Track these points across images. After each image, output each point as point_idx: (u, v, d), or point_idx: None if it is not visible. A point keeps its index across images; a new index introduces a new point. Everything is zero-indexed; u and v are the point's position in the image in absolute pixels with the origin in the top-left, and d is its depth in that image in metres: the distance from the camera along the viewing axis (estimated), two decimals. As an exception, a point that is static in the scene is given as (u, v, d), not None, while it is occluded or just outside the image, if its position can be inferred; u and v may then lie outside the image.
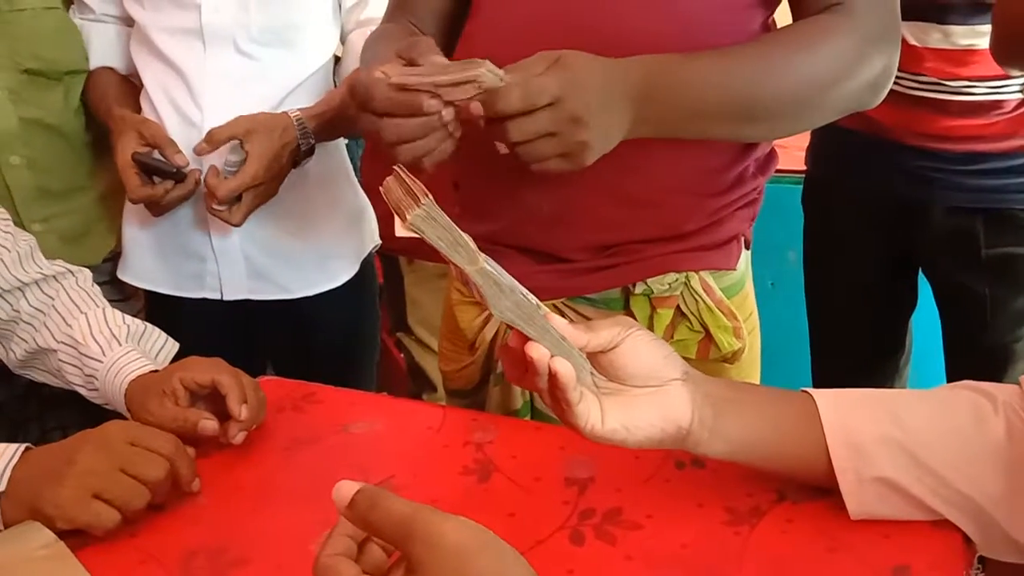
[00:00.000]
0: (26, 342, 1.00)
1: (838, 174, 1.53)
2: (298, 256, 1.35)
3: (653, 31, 0.83)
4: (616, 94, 0.75)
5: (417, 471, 0.84)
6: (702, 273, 0.93)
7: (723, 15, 0.85)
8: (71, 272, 1.04)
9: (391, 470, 0.83)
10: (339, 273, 1.40)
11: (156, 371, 0.91)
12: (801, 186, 1.61)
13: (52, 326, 0.98)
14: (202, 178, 1.23)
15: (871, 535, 0.69)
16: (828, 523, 0.71)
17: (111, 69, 1.36)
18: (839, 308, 1.60)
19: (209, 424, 0.85)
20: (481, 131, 0.74)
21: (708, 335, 0.94)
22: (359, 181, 1.47)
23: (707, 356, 0.94)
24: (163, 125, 1.26)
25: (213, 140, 1.20)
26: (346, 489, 0.52)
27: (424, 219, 0.60)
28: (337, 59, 1.40)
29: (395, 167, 0.62)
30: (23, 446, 0.77)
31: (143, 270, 1.36)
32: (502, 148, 0.75)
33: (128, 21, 1.34)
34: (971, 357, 1.47)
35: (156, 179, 1.23)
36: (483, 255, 0.63)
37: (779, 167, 1.00)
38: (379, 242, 1.49)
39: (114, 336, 0.95)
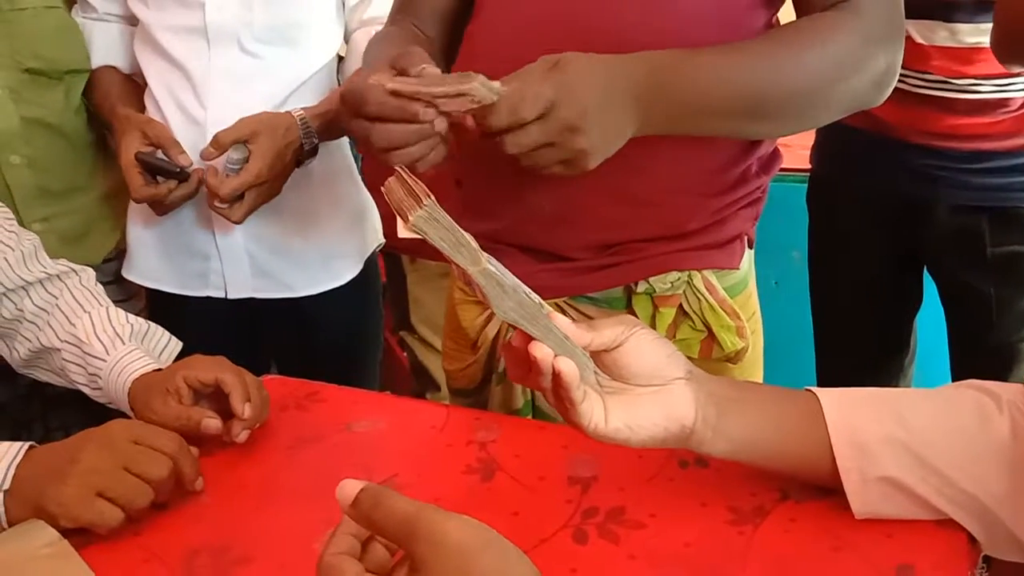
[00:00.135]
0: (30, 341, 1.00)
1: (843, 173, 1.52)
2: (302, 255, 1.35)
3: (656, 31, 0.83)
4: (619, 93, 0.74)
5: (420, 470, 0.84)
6: (705, 272, 0.93)
7: (727, 15, 0.85)
8: (74, 271, 1.04)
9: (394, 469, 0.83)
10: (343, 272, 1.40)
11: (159, 370, 0.92)
12: (806, 185, 1.61)
13: (56, 325, 0.98)
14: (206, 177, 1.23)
15: (875, 534, 0.69)
16: (832, 522, 0.71)
17: (114, 68, 1.36)
18: (844, 307, 1.60)
19: (212, 422, 0.85)
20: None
21: (711, 334, 0.94)
22: (362, 180, 1.47)
23: (710, 355, 0.94)
24: (167, 124, 1.27)
25: (219, 144, 1.20)
26: (350, 488, 0.52)
27: (426, 220, 0.60)
28: (341, 58, 1.40)
29: (397, 167, 0.62)
30: (27, 444, 0.78)
31: (147, 269, 1.37)
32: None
33: (131, 20, 1.34)
34: (976, 356, 1.46)
35: (160, 179, 1.23)
36: (486, 255, 0.62)
37: (783, 166, 1.00)
38: (383, 241, 1.49)
39: (117, 335, 0.96)
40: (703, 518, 0.73)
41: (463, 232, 0.61)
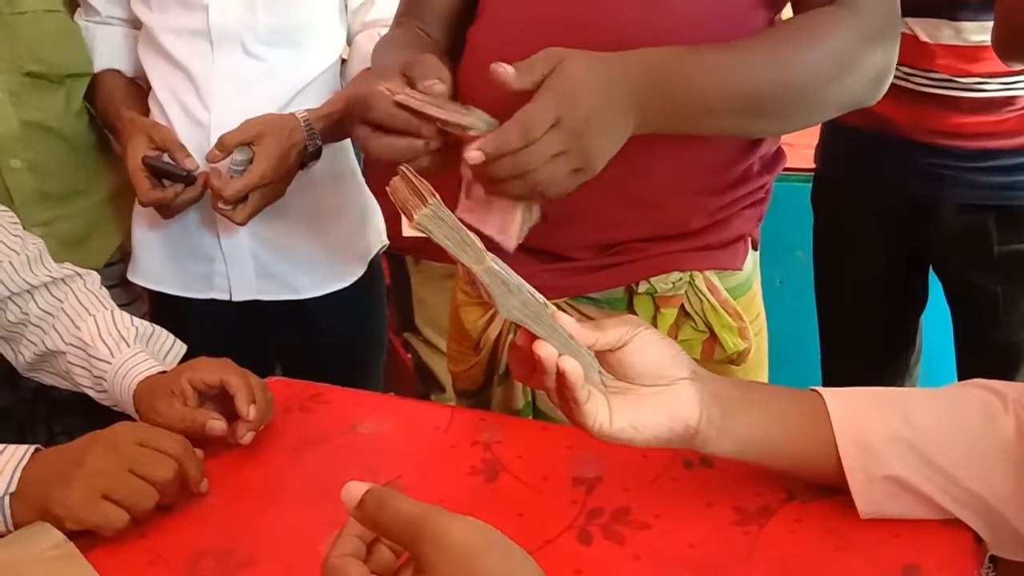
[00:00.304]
0: (35, 345, 1.00)
1: (848, 172, 1.52)
2: (306, 256, 1.35)
3: (657, 30, 0.82)
4: (617, 92, 0.74)
5: (425, 471, 0.84)
6: (707, 273, 0.92)
7: (727, 14, 0.85)
8: (79, 275, 1.04)
9: (399, 470, 0.83)
10: (347, 273, 1.40)
11: (164, 372, 0.92)
12: (810, 184, 1.60)
13: (61, 328, 0.99)
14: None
15: (881, 534, 0.69)
16: (837, 522, 0.71)
17: (117, 71, 1.36)
18: (849, 306, 1.59)
19: (217, 424, 0.85)
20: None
21: (713, 335, 0.93)
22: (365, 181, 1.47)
23: (712, 356, 0.94)
24: (172, 127, 1.27)
25: (224, 146, 1.20)
26: (355, 489, 0.53)
27: (431, 219, 0.60)
28: (344, 61, 1.40)
29: (401, 167, 0.62)
30: (32, 447, 0.78)
31: (152, 271, 1.37)
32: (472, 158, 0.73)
33: (134, 23, 1.34)
34: (982, 355, 1.46)
35: (166, 182, 1.23)
36: (490, 254, 0.63)
37: (788, 165, 0.99)
38: (387, 242, 1.49)
39: (122, 338, 0.96)
40: (708, 518, 0.73)
41: (468, 231, 0.62)
